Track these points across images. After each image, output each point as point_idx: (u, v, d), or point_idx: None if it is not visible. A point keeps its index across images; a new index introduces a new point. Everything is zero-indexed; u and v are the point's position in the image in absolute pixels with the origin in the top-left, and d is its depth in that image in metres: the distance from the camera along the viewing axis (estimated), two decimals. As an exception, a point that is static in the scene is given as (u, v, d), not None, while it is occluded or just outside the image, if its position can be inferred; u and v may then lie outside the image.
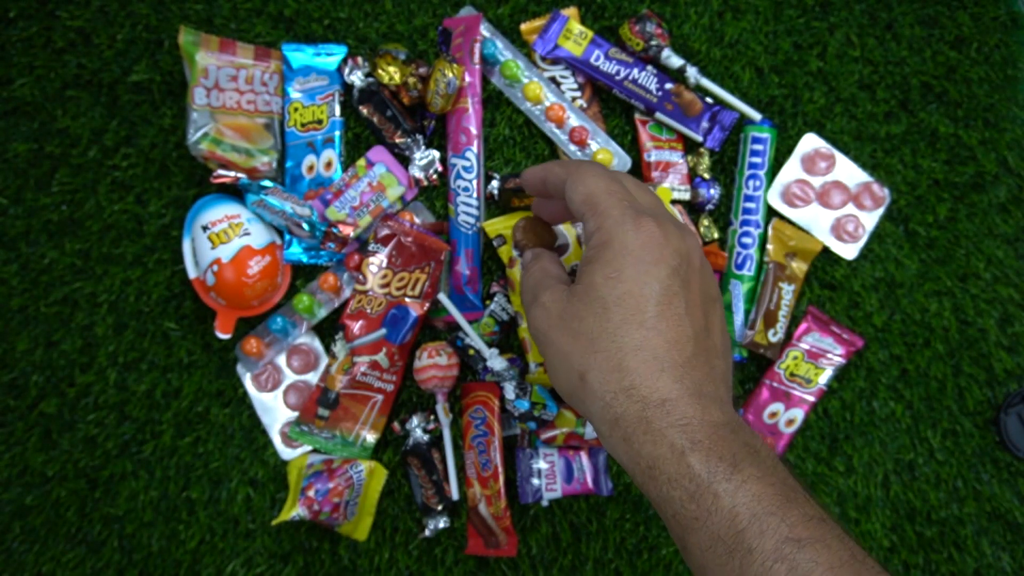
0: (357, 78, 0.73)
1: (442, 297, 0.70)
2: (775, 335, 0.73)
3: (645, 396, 0.37)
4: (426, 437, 0.72)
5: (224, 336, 0.70)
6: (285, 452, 0.73)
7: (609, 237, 0.40)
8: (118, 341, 0.73)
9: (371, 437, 0.73)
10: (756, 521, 0.33)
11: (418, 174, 0.73)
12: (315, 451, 0.73)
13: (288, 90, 0.73)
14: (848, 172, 0.76)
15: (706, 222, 0.75)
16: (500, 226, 0.72)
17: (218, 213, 0.70)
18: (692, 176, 0.75)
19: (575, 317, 0.40)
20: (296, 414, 0.73)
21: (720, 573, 0.34)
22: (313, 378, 0.74)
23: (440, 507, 0.71)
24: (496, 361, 0.69)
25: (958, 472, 0.75)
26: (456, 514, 0.73)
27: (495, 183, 0.69)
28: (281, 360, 0.74)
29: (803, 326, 0.75)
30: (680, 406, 0.37)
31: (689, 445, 0.35)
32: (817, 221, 0.75)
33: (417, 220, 0.74)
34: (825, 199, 0.75)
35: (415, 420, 0.72)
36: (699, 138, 0.74)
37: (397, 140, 0.73)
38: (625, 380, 0.38)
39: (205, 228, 0.70)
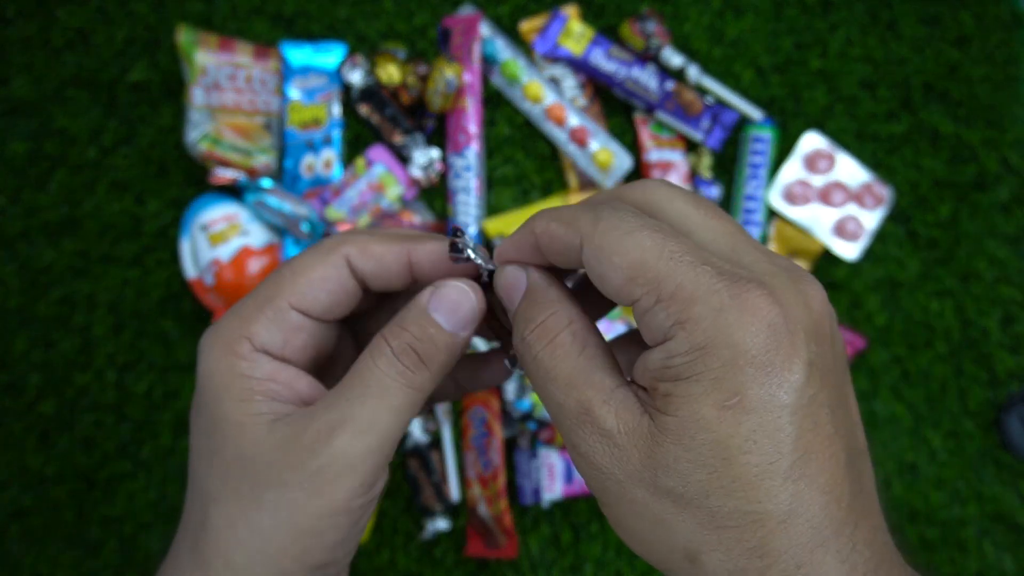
0: (356, 77, 0.73)
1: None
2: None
3: None
4: (426, 438, 0.72)
5: (223, 336, 0.70)
6: (284, 453, 0.73)
7: (707, 338, 0.24)
8: (117, 341, 0.73)
9: (370, 438, 0.72)
10: None
11: (418, 173, 0.73)
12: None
13: (287, 89, 0.73)
14: (849, 172, 0.75)
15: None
16: (500, 226, 0.72)
17: (217, 213, 0.70)
18: (693, 176, 0.75)
19: (674, 472, 0.24)
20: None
21: None
22: (312, 378, 0.74)
23: (440, 508, 0.71)
24: (496, 361, 0.69)
25: (960, 473, 0.75)
26: (456, 515, 0.73)
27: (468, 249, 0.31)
28: (280, 360, 0.73)
29: (804, 326, 0.75)
30: None
31: None
32: (818, 221, 0.75)
33: (417, 220, 0.74)
34: (826, 199, 0.75)
35: (415, 420, 0.72)
36: (700, 137, 0.74)
37: (396, 139, 0.73)
38: (773, 569, 0.24)
39: (204, 228, 0.69)
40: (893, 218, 0.76)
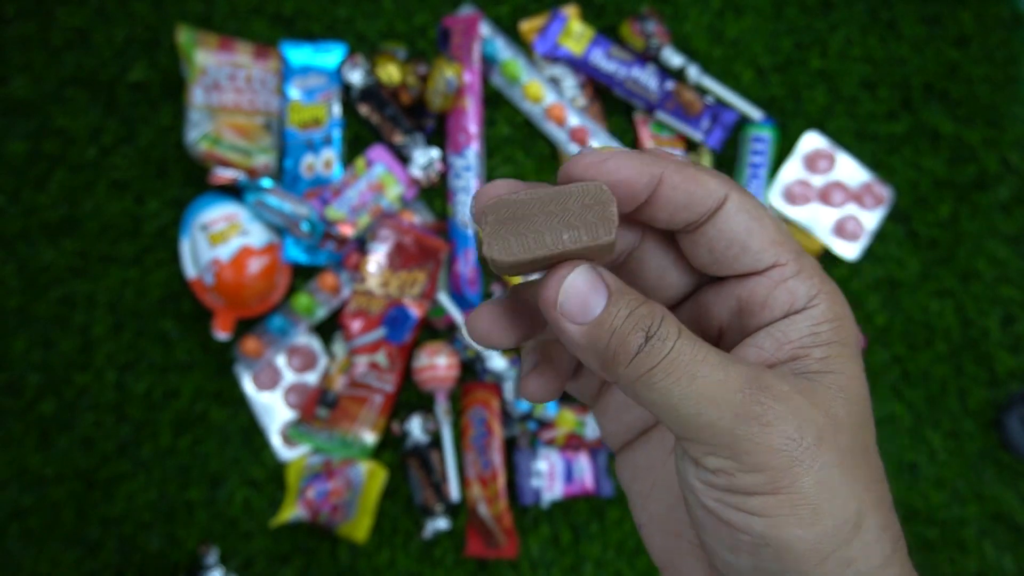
0: (356, 77, 0.73)
1: (442, 297, 0.70)
2: (776, 335, 0.73)
3: (903, 560, 0.26)
4: (426, 437, 0.72)
5: (223, 336, 0.70)
6: (284, 453, 0.73)
7: (843, 311, 0.26)
8: (116, 341, 0.72)
9: (371, 437, 0.72)
10: None
11: (418, 173, 0.73)
12: (314, 452, 0.73)
13: (287, 89, 0.73)
14: (849, 171, 0.75)
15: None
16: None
17: (217, 213, 0.70)
18: (693, 176, 0.75)
19: (847, 429, 0.25)
20: (296, 414, 0.73)
21: None
22: (313, 378, 0.74)
23: (440, 508, 0.71)
24: (496, 361, 0.69)
25: (960, 473, 0.75)
26: (456, 515, 0.73)
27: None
28: (281, 360, 0.73)
29: (804, 326, 0.75)
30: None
31: None
32: (818, 220, 0.75)
33: (416, 220, 0.74)
34: (826, 198, 0.75)
35: (415, 420, 0.72)
36: (700, 137, 0.74)
37: (396, 139, 0.73)
38: (892, 528, 0.26)
39: (204, 228, 0.69)
40: (893, 218, 0.76)
